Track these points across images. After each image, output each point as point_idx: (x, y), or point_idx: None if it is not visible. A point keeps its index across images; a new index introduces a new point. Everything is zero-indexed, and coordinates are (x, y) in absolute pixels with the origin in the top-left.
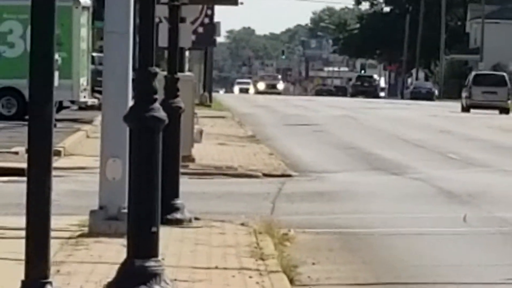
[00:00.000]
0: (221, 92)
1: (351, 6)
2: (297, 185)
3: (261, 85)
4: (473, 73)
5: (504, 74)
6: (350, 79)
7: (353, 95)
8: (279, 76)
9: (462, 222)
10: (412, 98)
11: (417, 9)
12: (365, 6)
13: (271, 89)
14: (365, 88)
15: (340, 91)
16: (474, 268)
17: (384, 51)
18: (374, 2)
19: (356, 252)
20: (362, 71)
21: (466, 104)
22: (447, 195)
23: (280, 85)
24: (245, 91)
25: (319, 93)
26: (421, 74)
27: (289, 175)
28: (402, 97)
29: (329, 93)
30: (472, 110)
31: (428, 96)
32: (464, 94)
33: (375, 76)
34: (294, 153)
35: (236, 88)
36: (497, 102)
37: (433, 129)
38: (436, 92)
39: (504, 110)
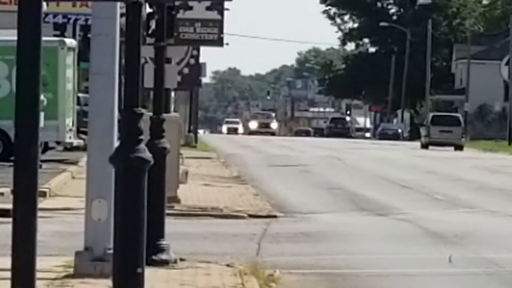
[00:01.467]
0: (207, 132)
1: (336, 47)
2: (283, 226)
3: (253, 124)
4: (431, 114)
5: (459, 115)
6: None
7: (327, 136)
8: (273, 114)
9: (448, 263)
10: (380, 139)
11: (403, 50)
12: (350, 46)
13: (264, 129)
14: (338, 130)
15: (317, 132)
16: None
17: (369, 92)
18: (359, 43)
19: None
20: (347, 112)
21: (425, 142)
22: (433, 236)
23: (274, 124)
24: (234, 131)
25: (298, 133)
26: (407, 115)
27: (274, 216)
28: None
29: (307, 134)
30: (430, 147)
31: (394, 136)
32: (423, 133)
33: (348, 119)
34: (280, 194)
35: (224, 128)
36: (453, 140)
37: (418, 169)
38: (405, 133)
39: (458, 147)
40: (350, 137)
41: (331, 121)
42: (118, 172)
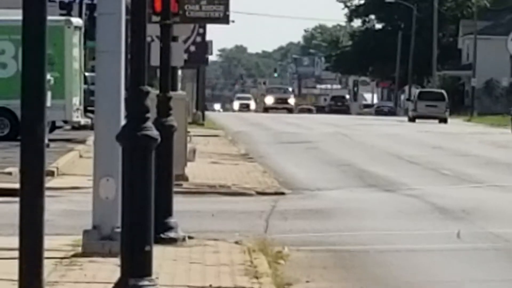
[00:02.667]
0: (217, 107)
1: (343, 24)
2: (291, 203)
3: (270, 99)
4: (418, 90)
5: (443, 91)
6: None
7: (328, 113)
8: (290, 89)
9: (456, 238)
10: (376, 114)
11: (409, 26)
12: (357, 23)
13: (281, 104)
14: (338, 107)
15: (319, 110)
16: (468, 284)
17: (376, 68)
18: (366, 19)
19: (350, 269)
20: (355, 88)
21: (412, 115)
22: (441, 211)
23: (292, 100)
24: (246, 107)
25: (301, 111)
26: (414, 91)
27: (282, 193)
28: (395, 114)
29: (310, 111)
30: (417, 120)
31: (389, 113)
32: (410, 107)
33: (347, 96)
34: (288, 171)
35: (235, 104)
36: (437, 114)
37: (425, 145)
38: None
39: (442, 120)
40: (349, 113)
41: (331, 99)
42: (125, 150)
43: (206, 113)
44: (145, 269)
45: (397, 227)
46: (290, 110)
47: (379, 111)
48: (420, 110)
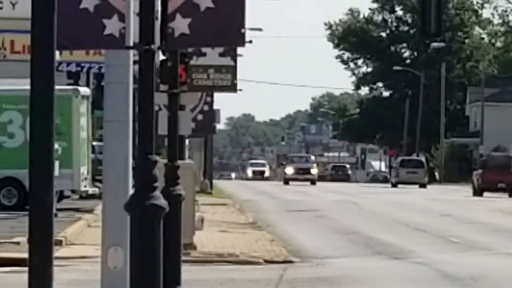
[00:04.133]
0: (233, 175)
1: (350, 91)
2: (299, 271)
3: (290, 170)
4: (399, 158)
5: (422, 159)
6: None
7: (330, 181)
8: (312, 157)
9: None
10: (371, 182)
11: (417, 93)
12: (364, 91)
13: (302, 175)
14: (339, 176)
15: (320, 179)
16: None
17: (384, 136)
18: (373, 87)
19: None
20: (362, 156)
21: (395, 181)
22: (449, 279)
23: (314, 170)
24: (260, 174)
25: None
26: (422, 158)
27: (290, 261)
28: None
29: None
30: (399, 186)
31: (384, 180)
32: (393, 174)
33: (347, 166)
34: (296, 239)
35: (249, 171)
36: (417, 180)
37: (433, 212)
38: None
39: (422, 185)
40: (349, 181)
41: (332, 168)
42: (134, 219)
43: (214, 181)
44: None
45: None
46: (312, 182)
47: (375, 179)
48: (402, 176)
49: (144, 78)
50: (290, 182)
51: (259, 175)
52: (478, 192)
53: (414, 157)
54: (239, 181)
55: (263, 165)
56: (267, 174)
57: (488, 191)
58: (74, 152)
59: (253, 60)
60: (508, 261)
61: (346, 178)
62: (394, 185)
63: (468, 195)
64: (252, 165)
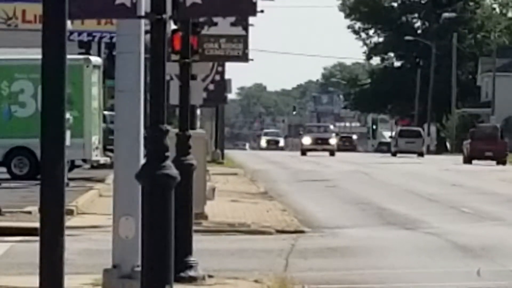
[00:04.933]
0: (247, 145)
1: (362, 61)
2: (311, 241)
3: (307, 140)
4: (399, 128)
5: (420, 129)
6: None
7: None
8: (331, 127)
9: (476, 276)
10: (376, 152)
11: (428, 64)
12: (376, 61)
13: (321, 145)
14: (345, 147)
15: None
16: None
17: (395, 106)
18: (385, 57)
19: None
20: (373, 126)
21: (394, 150)
22: (461, 249)
23: (333, 140)
24: (275, 143)
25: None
26: (433, 128)
27: (302, 231)
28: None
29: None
30: (398, 155)
31: (389, 150)
32: (392, 143)
33: (354, 137)
34: (307, 209)
35: (263, 141)
36: (415, 149)
37: (445, 183)
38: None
39: (420, 154)
40: (356, 151)
41: (340, 139)
42: (145, 189)
43: (226, 151)
44: None
45: (418, 265)
46: (331, 152)
47: (379, 150)
48: (401, 146)
49: (156, 47)
50: (308, 153)
51: (273, 145)
52: (467, 160)
53: (412, 127)
54: (253, 151)
55: (277, 134)
56: (281, 143)
57: (477, 159)
58: (86, 121)
59: (264, 30)
60: None
61: (352, 148)
62: (394, 154)
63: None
64: (266, 134)
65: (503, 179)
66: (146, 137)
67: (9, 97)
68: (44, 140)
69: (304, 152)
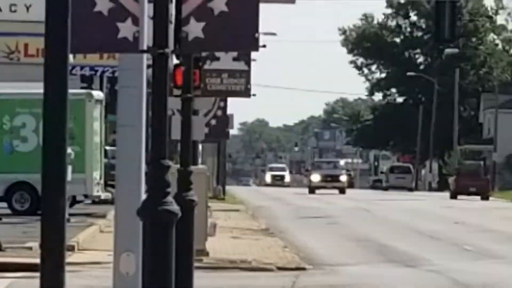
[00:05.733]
0: (251, 181)
1: (364, 97)
2: (312, 279)
3: (316, 177)
4: (390, 164)
5: (410, 165)
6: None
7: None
8: (341, 162)
9: None
10: (371, 188)
11: (430, 100)
12: (378, 97)
13: (330, 183)
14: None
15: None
16: None
17: (397, 142)
18: (387, 93)
19: None
20: (375, 163)
21: (385, 186)
22: (462, 287)
23: (344, 177)
24: (280, 179)
25: None
26: (435, 165)
27: (303, 268)
28: (417, 188)
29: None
30: (389, 190)
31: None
32: (384, 179)
33: (351, 173)
34: (308, 246)
35: (268, 176)
36: (405, 184)
37: (447, 220)
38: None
39: (410, 190)
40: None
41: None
42: (146, 225)
43: (228, 187)
44: None
45: None
46: (341, 190)
47: (375, 186)
48: (391, 181)
49: (158, 82)
50: (317, 191)
51: (279, 180)
52: (453, 195)
53: (402, 163)
54: (256, 187)
55: (283, 169)
56: (287, 179)
57: (462, 194)
58: (87, 156)
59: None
60: None
61: (349, 185)
62: (385, 189)
63: (479, 202)
64: (271, 169)
65: (505, 217)
66: (148, 173)
67: (10, 131)
68: (45, 175)
69: (312, 190)
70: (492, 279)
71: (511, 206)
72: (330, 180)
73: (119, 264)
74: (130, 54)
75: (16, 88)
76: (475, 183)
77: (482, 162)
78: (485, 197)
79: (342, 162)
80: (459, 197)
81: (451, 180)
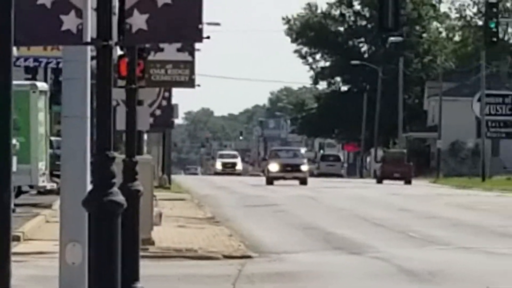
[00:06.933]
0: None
1: (308, 86)
2: (258, 267)
3: (274, 167)
4: (321, 152)
5: (339, 154)
6: None
7: None
8: (302, 151)
9: None
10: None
11: (375, 88)
12: (322, 85)
13: (291, 173)
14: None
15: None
16: None
17: (342, 130)
18: (331, 81)
19: None
20: (320, 151)
21: (317, 173)
22: (407, 274)
23: (305, 167)
24: (231, 167)
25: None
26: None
27: (249, 257)
28: (362, 176)
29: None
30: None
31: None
32: (314, 167)
33: None
34: (254, 234)
35: (218, 164)
36: (335, 171)
37: (393, 207)
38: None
39: (339, 176)
40: None
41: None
42: (92, 215)
43: (173, 176)
44: None
45: None
46: (302, 181)
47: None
48: (322, 168)
49: (102, 73)
50: (275, 182)
51: (229, 168)
52: (379, 180)
53: (332, 152)
54: (203, 176)
55: (234, 156)
56: (239, 167)
57: (387, 179)
58: (32, 147)
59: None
60: (466, 255)
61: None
62: (317, 176)
63: (423, 189)
64: (222, 156)
65: (449, 203)
66: (93, 164)
67: None
68: None
69: (270, 180)
70: (438, 265)
71: (455, 193)
72: (290, 170)
73: (65, 254)
74: (74, 46)
75: None
76: (399, 169)
77: (405, 150)
78: (407, 181)
79: (302, 150)
80: (384, 181)
81: (377, 166)
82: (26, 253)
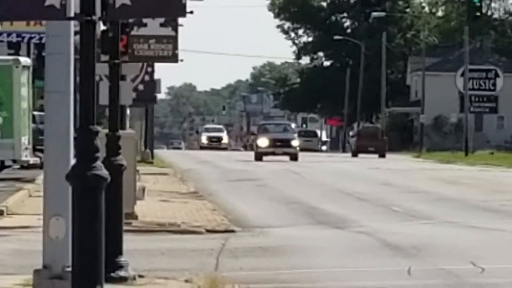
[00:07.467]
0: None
1: (291, 61)
2: (241, 241)
3: (264, 142)
4: (298, 129)
5: (316, 130)
6: None
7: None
8: (293, 125)
9: (407, 275)
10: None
11: (358, 63)
12: (305, 60)
13: (281, 148)
14: None
15: (247, 148)
16: None
17: (325, 105)
18: (314, 57)
19: None
20: (303, 126)
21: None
22: (391, 248)
23: (296, 141)
24: (217, 141)
25: (245, 149)
26: (315, 129)
27: (232, 231)
28: (344, 151)
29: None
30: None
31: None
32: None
33: None
34: (237, 209)
35: (203, 138)
36: (312, 147)
37: (376, 182)
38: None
39: (316, 151)
40: None
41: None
42: (75, 190)
43: (155, 151)
44: None
45: (348, 264)
46: (293, 156)
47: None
48: (300, 144)
49: (85, 48)
50: (265, 157)
51: (215, 142)
52: (354, 153)
53: (308, 128)
54: (187, 151)
55: (220, 130)
56: (225, 140)
57: (362, 153)
58: (15, 122)
59: (194, 30)
60: (449, 230)
61: None
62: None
63: (407, 163)
64: (208, 130)
65: (432, 178)
66: (76, 138)
67: None
68: None
69: (259, 156)
70: (421, 239)
71: (438, 167)
72: (280, 145)
73: (48, 228)
74: (57, 21)
75: None
76: (373, 143)
77: (379, 126)
78: (382, 155)
79: (293, 125)
80: (359, 155)
81: (353, 140)
82: (9, 227)
